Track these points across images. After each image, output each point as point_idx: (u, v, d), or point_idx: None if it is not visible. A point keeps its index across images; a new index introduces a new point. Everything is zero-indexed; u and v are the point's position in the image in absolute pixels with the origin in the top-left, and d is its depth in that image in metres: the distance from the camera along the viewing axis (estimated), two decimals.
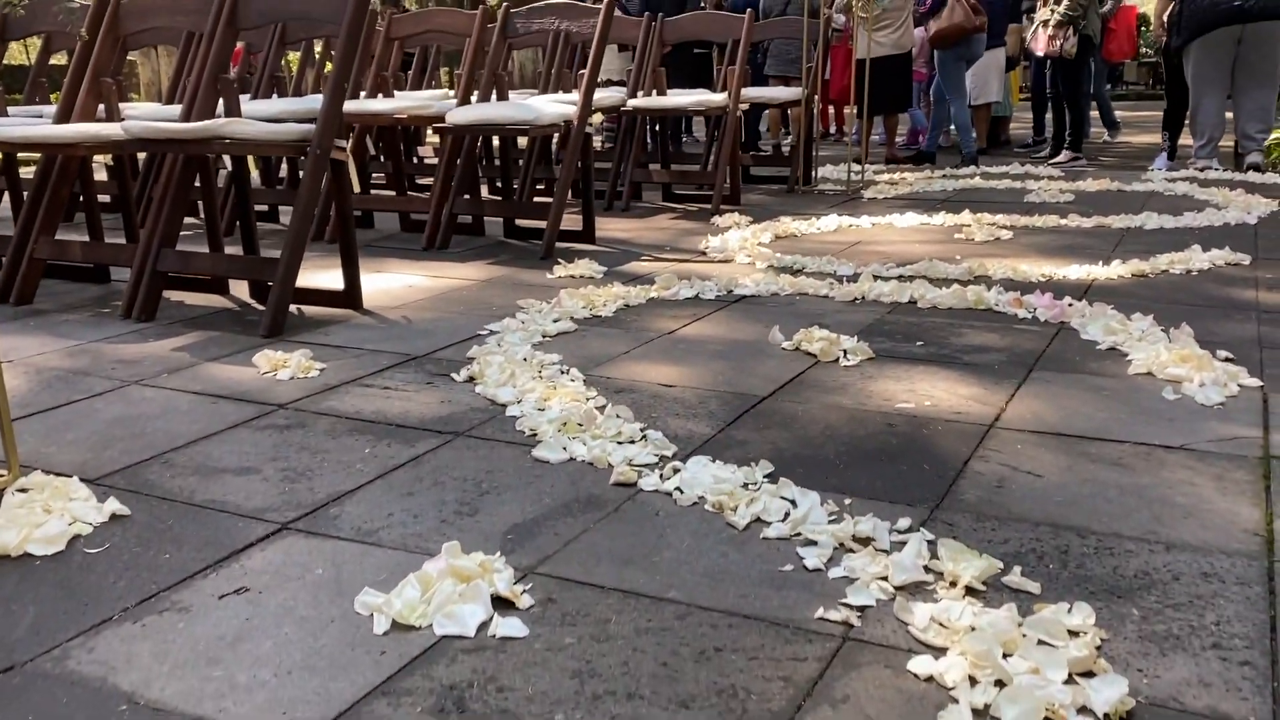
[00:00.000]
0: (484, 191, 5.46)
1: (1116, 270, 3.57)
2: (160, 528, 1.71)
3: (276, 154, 2.91)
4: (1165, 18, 6.65)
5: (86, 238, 3.69)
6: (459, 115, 4.10)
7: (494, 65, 4.42)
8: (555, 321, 2.99)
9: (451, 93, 6.09)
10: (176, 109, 4.68)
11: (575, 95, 5.16)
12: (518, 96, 5.55)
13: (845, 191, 6.02)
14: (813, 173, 6.39)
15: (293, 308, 3.14)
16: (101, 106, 3.57)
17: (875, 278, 3.43)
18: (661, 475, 1.83)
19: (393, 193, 5.06)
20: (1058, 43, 7.59)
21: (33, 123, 3.78)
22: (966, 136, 8.01)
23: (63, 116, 3.46)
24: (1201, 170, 6.44)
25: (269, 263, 3.03)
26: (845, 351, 2.60)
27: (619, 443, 1.99)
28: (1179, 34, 6.38)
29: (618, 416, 2.11)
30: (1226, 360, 2.48)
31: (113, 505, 1.76)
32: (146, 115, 4.77)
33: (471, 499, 1.79)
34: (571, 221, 4.44)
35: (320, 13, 3.18)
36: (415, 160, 6.91)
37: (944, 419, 2.14)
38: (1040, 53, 7.93)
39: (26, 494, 1.80)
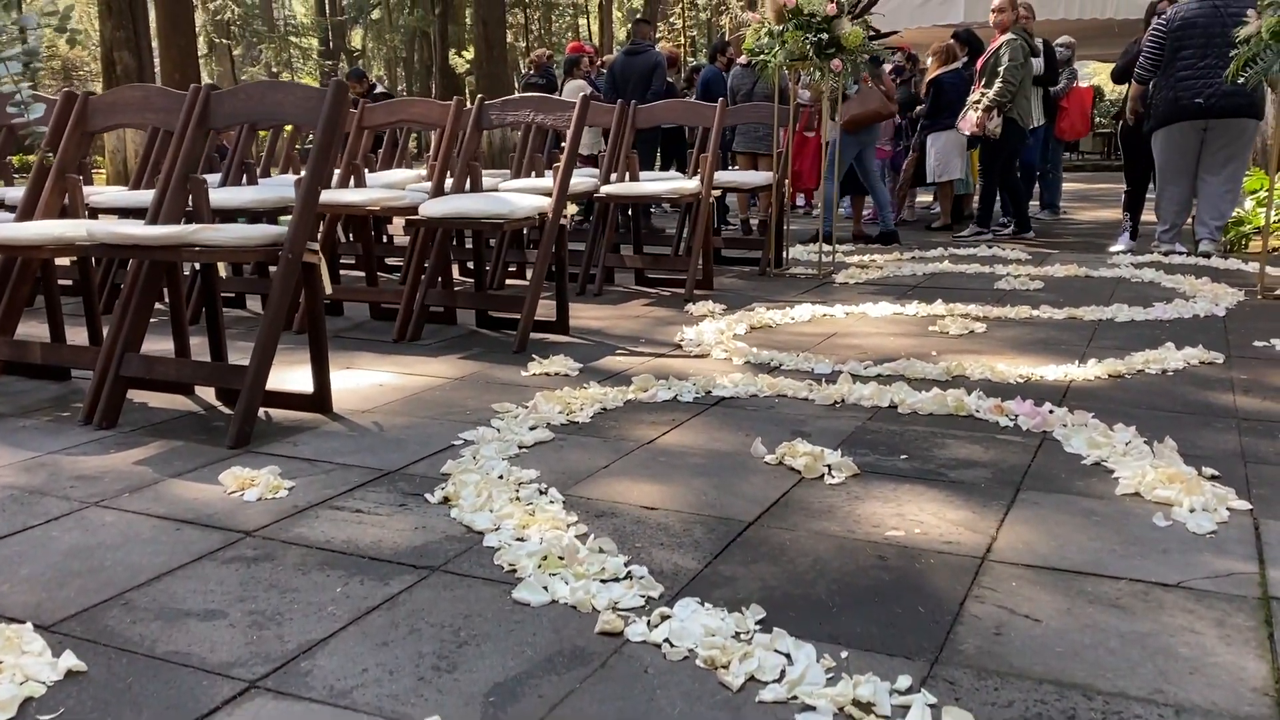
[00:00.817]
0: (455, 270, 5.41)
1: (1093, 370, 3.57)
2: (119, 687, 1.61)
3: (248, 260, 2.84)
4: (1138, 101, 6.80)
5: (46, 331, 3.59)
6: (432, 208, 4.06)
7: (468, 155, 4.39)
8: (531, 429, 2.92)
9: (422, 171, 6.08)
10: (145, 196, 4.61)
11: (548, 180, 5.16)
12: (489, 178, 5.53)
13: (817, 275, 6.03)
14: (784, 254, 6.42)
15: (261, 411, 3.06)
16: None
17: (854, 378, 3.40)
18: (649, 623, 1.76)
19: (362, 273, 5.02)
20: (985, 125, 7.88)
21: None
22: (829, 214, 8.06)
23: (26, 213, 3.38)
24: (1165, 255, 6.54)
25: (237, 370, 2.95)
26: (829, 467, 2.55)
27: (603, 580, 1.92)
28: (1148, 120, 6.54)
29: (600, 550, 2.04)
30: (1213, 478, 2.46)
31: (69, 660, 1.65)
32: (113, 203, 4.70)
33: (450, 651, 1.70)
34: (545, 309, 4.39)
35: (295, 114, 3.14)
36: (385, 239, 6.87)
37: (935, 549, 2.09)
38: (968, 132, 8.27)
39: None
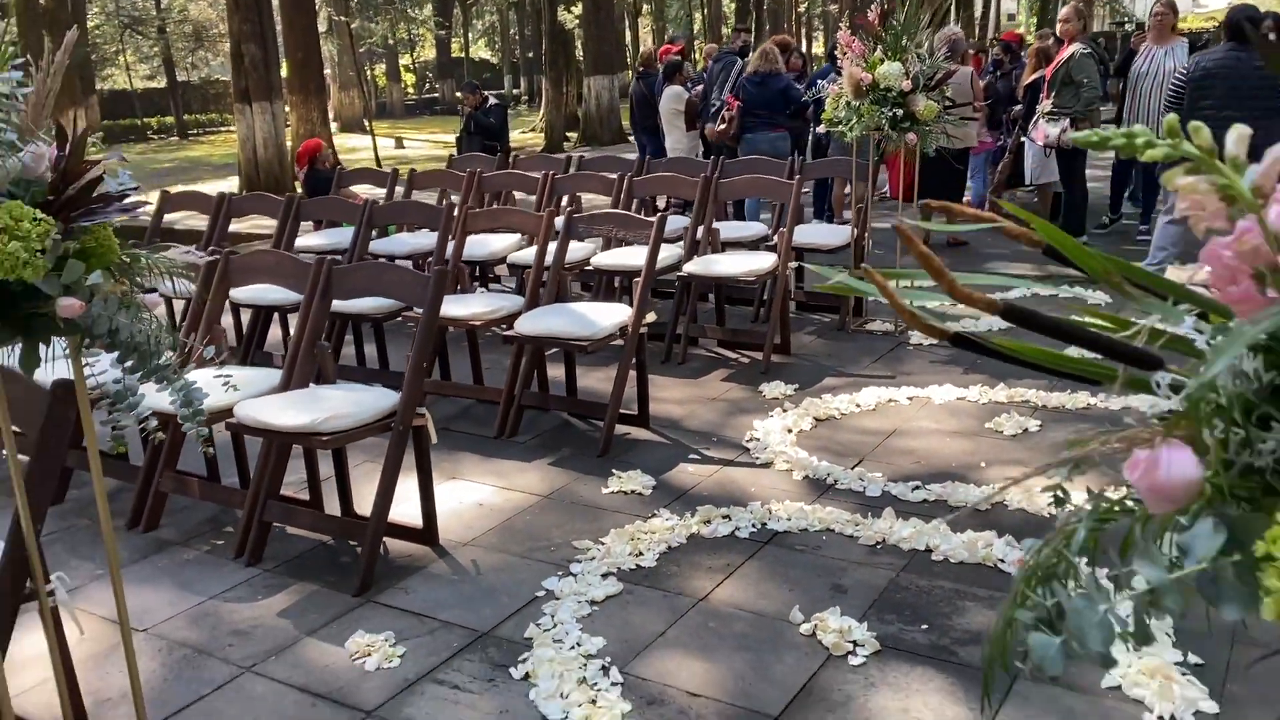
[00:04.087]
0: None
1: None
2: None
3: (366, 437, 3.38)
4: None
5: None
6: (525, 325, 4.56)
7: (558, 267, 4.86)
8: (604, 578, 3.41)
9: (519, 238, 6.55)
10: (277, 292, 5.20)
11: (639, 253, 5.56)
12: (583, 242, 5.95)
13: (894, 332, 6.31)
14: (864, 303, 6.70)
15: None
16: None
17: (897, 513, 3.77)
18: None
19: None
20: (1063, 139, 8.23)
21: None
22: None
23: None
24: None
25: (359, 525, 3.52)
26: (855, 644, 2.97)
27: None
28: None
29: None
30: (1197, 666, 2.79)
31: None
32: (252, 300, 5.32)
33: None
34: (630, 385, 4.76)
35: (405, 294, 3.65)
36: (489, 282, 7.40)
37: None
38: (1040, 142, 8.46)
39: None
